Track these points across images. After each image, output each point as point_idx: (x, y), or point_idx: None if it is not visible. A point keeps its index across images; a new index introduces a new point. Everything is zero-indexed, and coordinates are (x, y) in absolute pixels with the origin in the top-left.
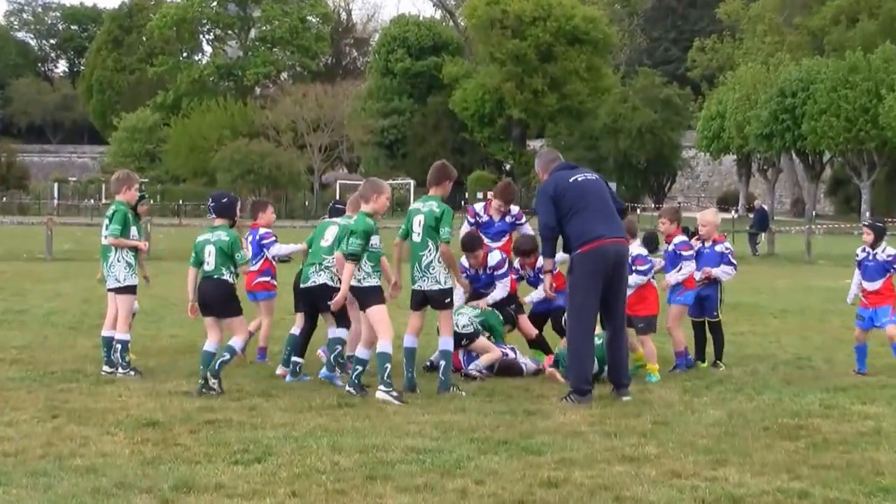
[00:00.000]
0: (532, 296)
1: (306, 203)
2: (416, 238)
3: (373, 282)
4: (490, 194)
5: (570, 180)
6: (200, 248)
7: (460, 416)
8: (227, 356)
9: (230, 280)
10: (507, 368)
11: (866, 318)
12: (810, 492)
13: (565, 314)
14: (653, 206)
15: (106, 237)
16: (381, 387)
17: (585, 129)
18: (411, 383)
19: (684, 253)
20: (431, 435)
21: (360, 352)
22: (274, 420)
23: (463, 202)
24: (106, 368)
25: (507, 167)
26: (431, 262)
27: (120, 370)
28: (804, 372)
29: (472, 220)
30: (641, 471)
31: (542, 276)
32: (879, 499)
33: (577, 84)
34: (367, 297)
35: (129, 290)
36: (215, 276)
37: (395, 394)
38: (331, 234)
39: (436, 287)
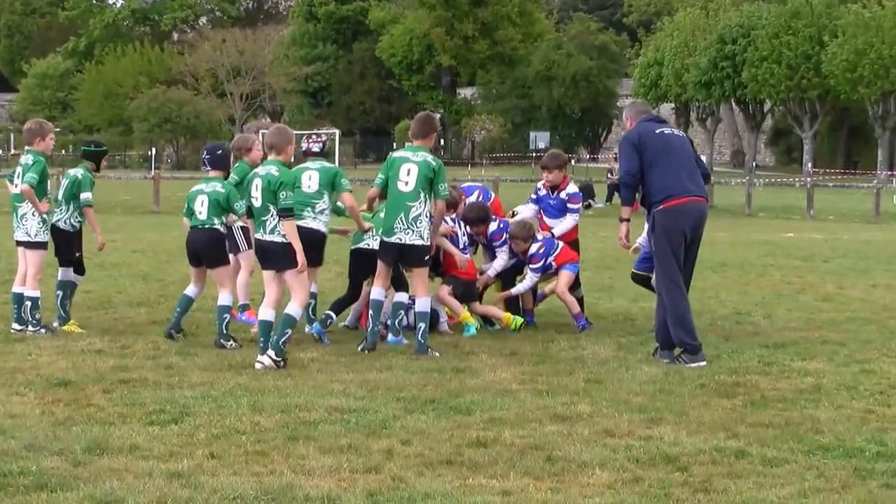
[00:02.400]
0: (495, 266)
1: None
2: (406, 188)
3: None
4: None
5: (657, 132)
6: (192, 198)
7: (386, 375)
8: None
9: (221, 230)
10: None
11: None
12: (747, 451)
13: (654, 275)
14: (588, 156)
15: (17, 185)
16: (272, 352)
17: (518, 77)
18: (374, 338)
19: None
20: (356, 394)
21: (267, 314)
22: (192, 379)
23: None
24: (16, 326)
25: (437, 116)
26: (420, 215)
27: (30, 328)
28: (743, 328)
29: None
30: (574, 430)
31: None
32: (819, 457)
33: (509, 30)
34: (288, 255)
35: (41, 245)
36: (206, 226)
37: (281, 361)
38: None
39: (418, 242)
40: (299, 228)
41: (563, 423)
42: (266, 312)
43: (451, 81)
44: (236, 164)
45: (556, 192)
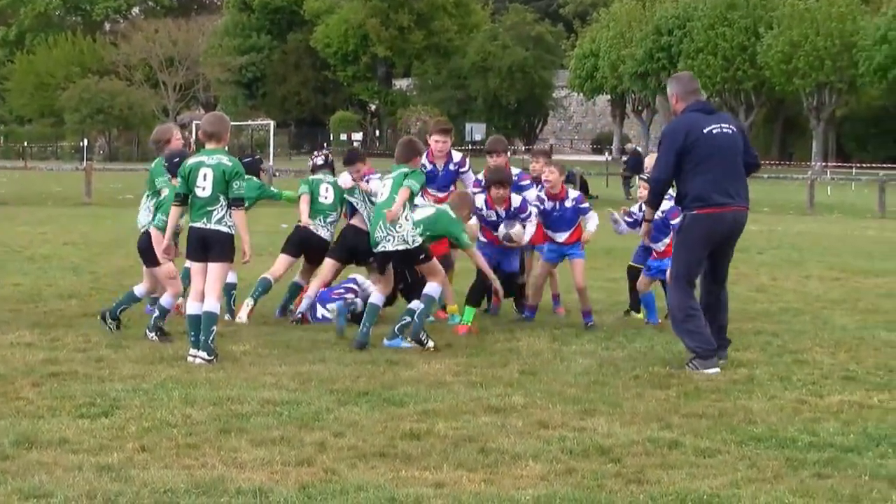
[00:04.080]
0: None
1: None
2: (383, 198)
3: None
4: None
5: (705, 131)
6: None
7: (319, 367)
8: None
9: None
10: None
11: (654, 269)
12: (681, 441)
13: (668, 275)
14: (523, 148)
15: None
16: (203, 353)
17: (453, 68)
18: (365, 338)
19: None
20: (288, 386)
21: (195, 307)
22: (122, 372)
23: (326, 144)
24: None
25: (373, 107)
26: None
27: None
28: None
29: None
30: (507, 421)
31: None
32: (751, 447)
33: (444, 20)
34: (229, 247)
35: None
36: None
37: (213, 359)
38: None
39: (403, 247)
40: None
41: (496, 415)
42: (194, 306)
43: (386, 72)
44: (156, 160)
45: (559, 204)
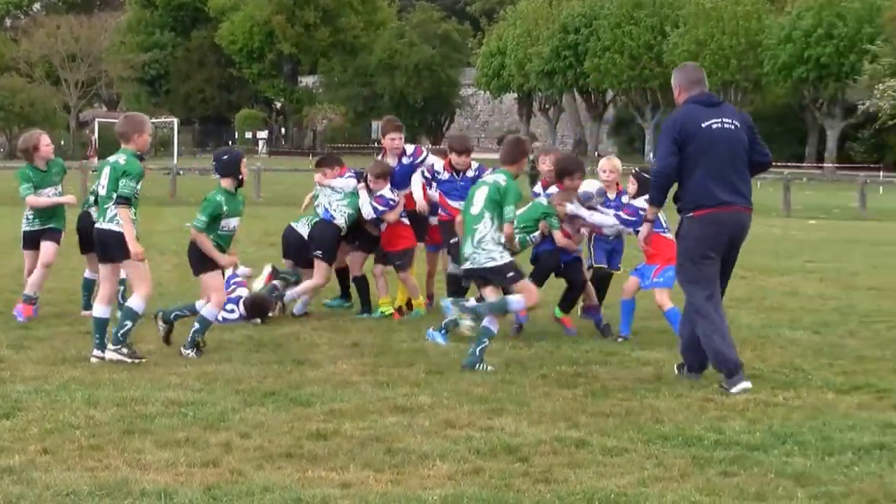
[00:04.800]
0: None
1: (62, 142)
2: (475, 210)
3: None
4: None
5: (703, 125)
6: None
7: (225, 367)
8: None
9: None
10: (257, 305)
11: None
12: (588, 440)
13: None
14: (430, 146)
15: None
16: (111, 345)
17: (360, 66)
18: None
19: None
20: (194, 387)
21: (101, 310)
22: (24, 373)
23: (231, 141)
24: None
25: (278, 105)
26: (485, 237)
27: None
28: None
29: (428, 176)
30: (414, 421)
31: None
32: (658, 446)
33: (351, 17)
34: (124, 246)
35: None
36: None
37: (125, 351)
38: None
39: (492, 264)
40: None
41: (403, 415)
42: (100, 309)
43: (292, 69)
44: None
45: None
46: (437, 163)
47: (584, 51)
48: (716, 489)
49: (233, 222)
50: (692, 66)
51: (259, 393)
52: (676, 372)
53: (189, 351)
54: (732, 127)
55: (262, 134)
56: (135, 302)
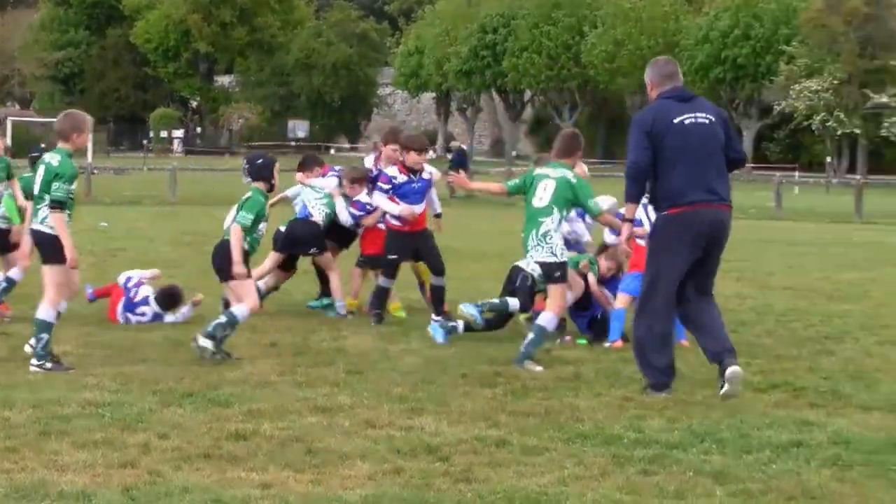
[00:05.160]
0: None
1: None
2: (541, 203)
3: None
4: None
5: (675, 121)
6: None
7: (142, 368)
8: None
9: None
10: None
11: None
12: (508, 439)
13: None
14: (347, 146)
15: None
16: (35, 361)
17: (277, 65)
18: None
19: None
20: (110, 388)
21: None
22: None
23: (145, 141)
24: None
25: (194, 104)
26: (550, 231)
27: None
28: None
29: (388, 187)
30: (334, 421)
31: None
32: (578, 445)
33: (267, 16)
34: (55, 248)
35: None
36: (225, 238)
37: (49, 365)
38: None
39: (549, 259)
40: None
41: (323, 415)
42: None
43: (208, 68)
44: None
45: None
46: (390, 168)
47: (503, 50)
48: (636, 488)
49: (264, 226)
50: (664, 60)
51: (177, 393)
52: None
53: (206, 343)
54: (706, 122)
55: (178, 133)
56: (44, 312)
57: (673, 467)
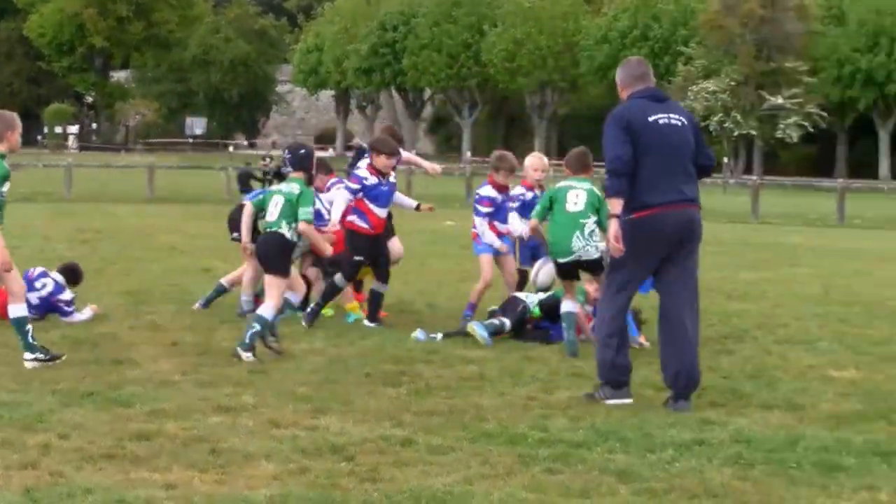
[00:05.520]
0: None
1: None
2: (576, 208)
3: None
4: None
5: (650, 119)
6: (268, 198)
7: (41, 367)
8: (258, 327)
9: (288, 236)
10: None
11: None
12: (413, 439)
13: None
14: (245, 143)
15: None
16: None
17: (174, 61)
18: (573, 347)
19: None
20: (9, 387)
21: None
22: None
23: (39, 136)
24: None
25: (89, 100)
26: (594, 229)
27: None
28: (406, 317)
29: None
30: (238, 421)
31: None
32: (483, 444)
33: (165, 12)
34: None
35: None
36: (272, 229)
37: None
38: None
39: (596, 256)
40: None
41: (227, 415)
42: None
43: (104, 64)
44: None
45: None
46: (360, 170)
47: (402, 49)
48: (541, 486)
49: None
50: (636, 60)
51: (77, 393)
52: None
53: (247, 354)
54: (679, 124)
55: (73, 129)
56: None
57: (578, 466)
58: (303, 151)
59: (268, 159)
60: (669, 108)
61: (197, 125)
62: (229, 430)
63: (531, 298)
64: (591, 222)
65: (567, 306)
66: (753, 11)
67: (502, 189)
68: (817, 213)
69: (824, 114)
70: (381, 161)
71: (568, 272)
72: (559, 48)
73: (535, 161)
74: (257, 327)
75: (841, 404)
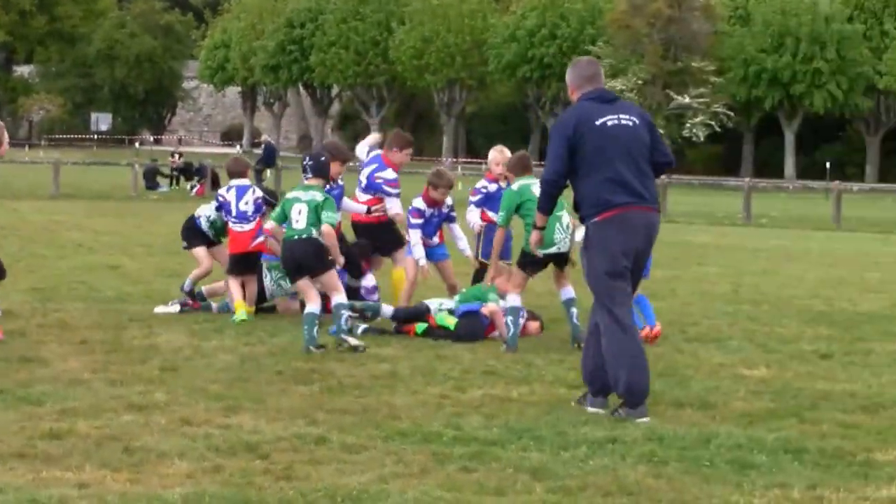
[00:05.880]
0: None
1: None
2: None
3: None
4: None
5: (598, 122)
6: (289, 206)
7: None
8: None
9: (319, 238)
10: None
11: None
12: (327, 437)
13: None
14: (151, 139)
15: None
16: None
17: (78, 56)
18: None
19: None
20: None
21: None
22: None
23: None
24: None
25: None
26: (569, 220)
27: None
28: (322, 316)
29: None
30: (151, 419)
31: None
32: (397, 443)
33: (68, 6)
34: None
35: None
36: (304, 235)
37: None
38: None
39: (566, 248)
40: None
41: (139, 413)
42: None
43: (6, 58)
44: None
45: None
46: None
47: (310, 45)
48: (456, 485)
49: None
50: (586, 61)
51: None
52: (575, 403)
53: (356, 341)
54: (630, 123)
55: None
56: None
57: (492, 464)
58: (324, 159)
59: (176, 156)
60: (620, 109)
61: (102, 121)
62: (142, 428)
63: (445, 304)
64: (565, 214)
65: (512, 300)
66: (660, 11)
67: (434, 204)
68: (724, 212)
69: (731, 113)
70: (338, 168)
71: (539, 265)
72: (467, 46)
73: (498, 155)
74: (345, 312)
75: (752, 402)
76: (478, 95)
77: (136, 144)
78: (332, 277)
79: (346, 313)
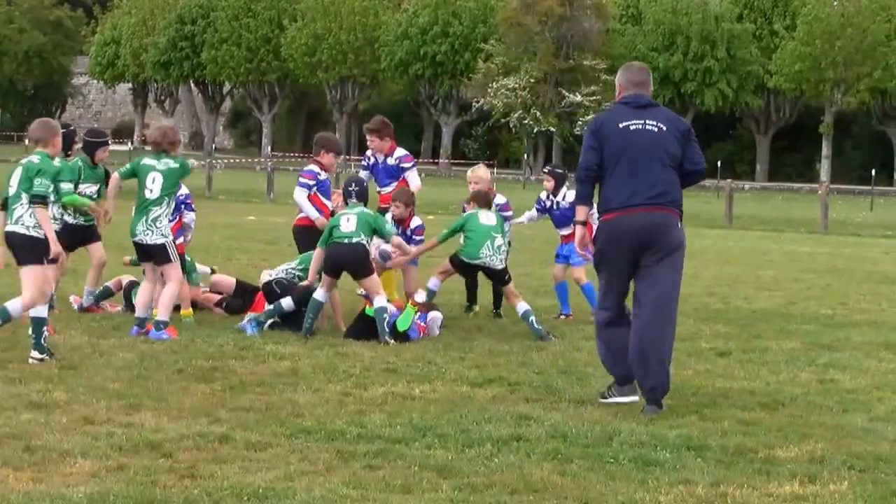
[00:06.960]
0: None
1: None
2: (490, 222)
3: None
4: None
5: (620, 126)
6: (338, 217)
7: None
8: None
9: (367, 245)
10: None
11: (561, 256)
12: (231, 435)
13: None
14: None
15: None
16: (35, 352)
17: None
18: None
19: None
20: None
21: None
22: None
23: None
24: None
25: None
26: (502, 244)
27: None
28: (213, 314)
29: (367, 164)
30: (51, 418)
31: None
32: (301, 440)
33: None
34: (28, 249)
35: None
36: (352, 240)
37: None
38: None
39: (500, 266)
40: None
41: (39, 411)
42: (39, 310)
43: None
44: None
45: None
46: (314, 165)
47: (202, 42)
48: (362, 482)
49: None
50: (638, 67)
51: None
52: (601, 399)
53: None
54: (655, 129)
55: None
56: (13, 306)
57: (398, 462)
58: (366, 184)
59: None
60: (649, 115)
61: None
62: (42, 427)
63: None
64: (499, 237)
65: (432, 284)
66: (552, 9)
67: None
68: None
69: None
70: (330, 159)
71: (465, 269)
72: (359, 43)
73: (470, 174)
74: (386, 316)
75: None
76: (370, 92)
77: (26, 142)
78: (374, 281)
79: (386, 316)
